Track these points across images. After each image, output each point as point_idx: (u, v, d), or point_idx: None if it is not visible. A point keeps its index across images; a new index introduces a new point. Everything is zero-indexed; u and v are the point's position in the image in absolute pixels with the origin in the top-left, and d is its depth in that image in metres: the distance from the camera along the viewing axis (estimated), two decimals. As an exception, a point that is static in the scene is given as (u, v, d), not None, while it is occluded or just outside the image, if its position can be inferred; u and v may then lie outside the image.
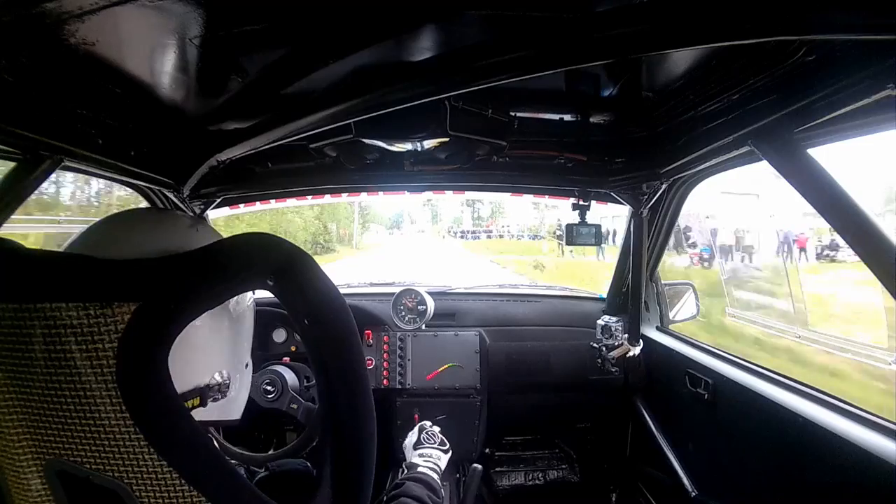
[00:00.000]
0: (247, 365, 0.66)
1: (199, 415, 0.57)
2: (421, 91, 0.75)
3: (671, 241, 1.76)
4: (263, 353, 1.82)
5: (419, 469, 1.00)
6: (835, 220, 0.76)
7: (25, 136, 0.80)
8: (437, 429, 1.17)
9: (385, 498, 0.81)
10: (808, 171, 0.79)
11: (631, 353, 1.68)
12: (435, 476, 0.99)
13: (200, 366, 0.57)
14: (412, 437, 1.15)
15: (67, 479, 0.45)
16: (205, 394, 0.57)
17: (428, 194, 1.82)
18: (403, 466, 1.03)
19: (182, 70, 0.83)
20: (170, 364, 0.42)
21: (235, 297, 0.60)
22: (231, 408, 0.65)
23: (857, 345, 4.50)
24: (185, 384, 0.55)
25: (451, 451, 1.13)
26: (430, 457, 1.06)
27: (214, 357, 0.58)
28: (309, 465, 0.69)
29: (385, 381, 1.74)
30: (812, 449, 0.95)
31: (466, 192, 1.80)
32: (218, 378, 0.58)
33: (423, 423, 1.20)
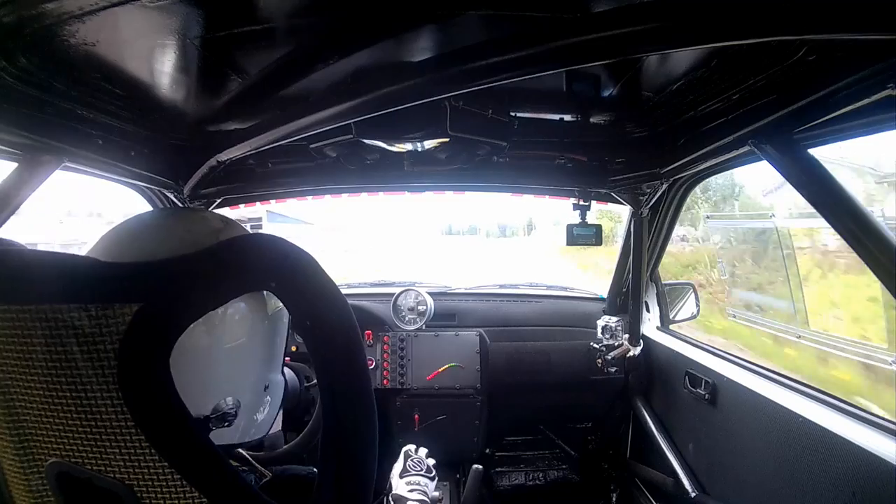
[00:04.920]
0: (266, 387, 0.61)
1: (214, 438, 0.52)
2: (421, 91, 0.75)
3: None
4: None
5: (409, 502, 0.93)
6: (835, 220, 0.76)
7: (25, 136, 0.80)
8: (423, 452, 1.08)
9: None
10: (808, 171, 0.79)
11: (631, 354, 1.68)
12: None
13: (198, 394, 0.52)
14: (398, 465, 1.04)
15: (69, 480, 0.44)
16: (205, 424, 0.53)
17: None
18: (390, 499, 0.95)
19: (182, 70, 0.83)
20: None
21: (237, 312, 0.55)
22: (250, 431, 0.61)
23: None
24: None
25: (437, 478, 1.05)
26: (416, 484, 0.98)
27: (215, 384, 0.54)
28: (315, 470, 0.68)
29: (385, 381, 1.74)
30: (812, 449, 0.95)
31: (466, 193, 1.80)
32: (224, 406, 0.54)
33: (407, 448, 1.08)
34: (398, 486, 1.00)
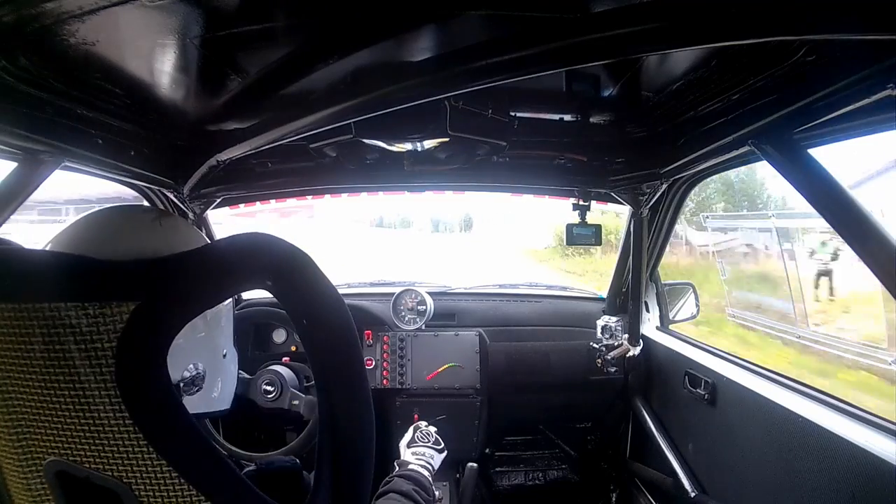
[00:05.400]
0: (225, 355, 0.67)
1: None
2: (421, 91, 0.75)
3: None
4: (263, 353, 1.82)
5: (409, 466, 0.99)
6: (835, 221, 0.76)
7: (25, 136, 0.80)
8: (433, 429, 1.16)
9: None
10: (808, 171, 0.79)
11: (631, 353, 1.68)
12: (425, 473, 0.98)
13: (171, 362, 0.56)
14: (407, 436, 1.15)
15: (67, 479, 0.45)
16: (178, 389, 0.57)
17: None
18: (395, 464, 1.03)
19: (182, 70, 0.83)
20: None
21: None
22: (215, 399, 0.65)
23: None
24: None
25: (445, 452, 1.12)
26: (422, 455, 1.06)
27: (186, 351, 0.59)
28: (298, 462, 0.70)
29: (385, 381, 1.74)
30: (812, 449, 0.95)
31: (466, 193, 1.80)
32: (189, 372, 0.59)
33: (418, 423, 1.19)
34: (405, 454, 1.07)
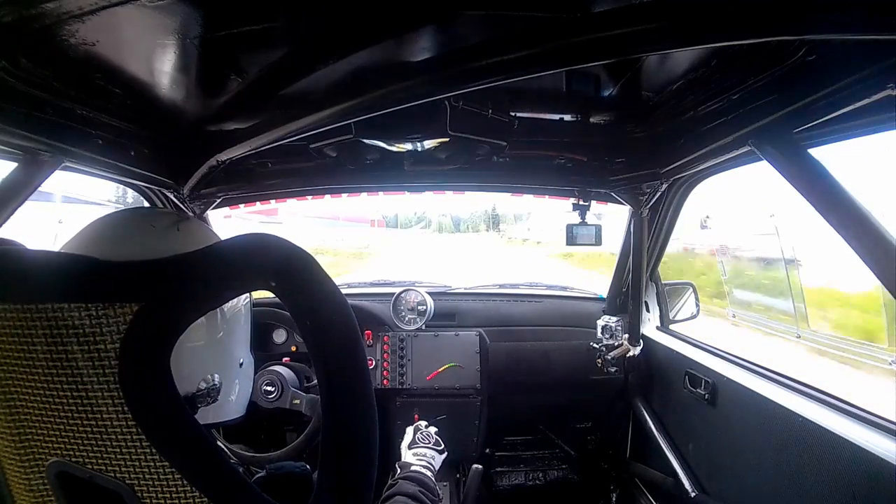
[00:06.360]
0: (241, 363, 0.67)
1: (201, 416, 0.58)
2: (421, 91, 0.75)
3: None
4: (263, 353, 1.82)
5: (412, 468, 1.00)
6: (835, 221, 0.76)
7: (25, 136, 0.80)
8: (433, 430, 1.17)
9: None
10: (808, 171, 0.79)
11: (631, 353, 1.68)
12: (428, 474, 0.98)
13: (186, 374, 0.57)
14: (407, 437, 1.15)
15: (69, 479, 0.45)
16: (193, 401, 0.57)
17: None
18: (396, 466, 1.03)
19: (182, 70, 0.83)
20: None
21: None
22: (230, 407, 0.65)
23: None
24: None
25: (446, 452, 1.12)
26: (423, 456, 1.06)
27: (201, 363, 0.59)
28: (308, 467, 0.70)
29: (385, 381, 1.74)
30: (812, 449, 0.95)
31: (466, 193, 1.80)
32: (205, 384, 0.59)
33: (418, 423, 1.19)
34: (406, 455, 1.08)
